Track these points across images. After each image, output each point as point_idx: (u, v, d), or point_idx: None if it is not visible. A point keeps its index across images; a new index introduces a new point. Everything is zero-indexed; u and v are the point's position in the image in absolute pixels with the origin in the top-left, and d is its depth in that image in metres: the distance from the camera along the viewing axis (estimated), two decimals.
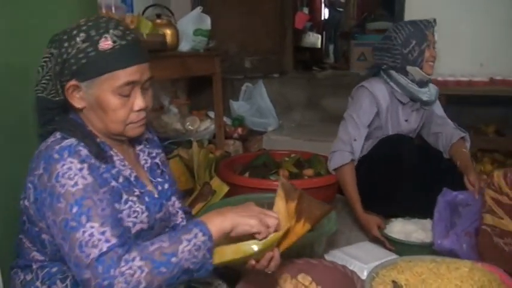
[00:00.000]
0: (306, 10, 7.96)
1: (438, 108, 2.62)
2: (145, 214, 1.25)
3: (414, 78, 2.38)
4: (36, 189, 1.14)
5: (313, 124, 4.28)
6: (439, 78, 3.30)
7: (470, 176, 2.23)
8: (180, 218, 1.43)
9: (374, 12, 5.64)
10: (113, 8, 2.70)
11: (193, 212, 2.12)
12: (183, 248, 1.07)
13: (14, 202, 1.24)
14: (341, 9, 9.06)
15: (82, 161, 1.12)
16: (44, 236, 1.19)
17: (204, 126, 3.52)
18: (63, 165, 1.10)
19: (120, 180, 1.22)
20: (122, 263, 1.03)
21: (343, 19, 8.97)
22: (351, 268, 1.77)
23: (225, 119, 3.83)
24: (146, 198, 1.27)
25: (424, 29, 2.34)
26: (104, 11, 2.61)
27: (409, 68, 2.36)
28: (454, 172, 2.34)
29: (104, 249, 1.03)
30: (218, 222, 1.14)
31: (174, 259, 1.06)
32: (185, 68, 3.04)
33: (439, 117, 2.59)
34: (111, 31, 1.15)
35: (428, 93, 2.46)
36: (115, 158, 1.25)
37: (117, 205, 1.18)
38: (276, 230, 1.23)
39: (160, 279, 1.05)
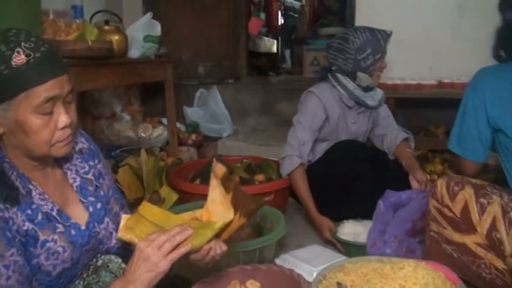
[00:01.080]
0: (262, 15, 8.02)
1: (384, 110, 2.66)
2: (68, 252, 1.17)
3: (361, 84, 2.41)
4: None
5: (268, 129, 4.30)
6: (389, 82, 3.37)
7: (416, 173, 2.29)
8: (113, 241, 1.31)
9: (327, 18, 5.72)
10: (61, 15, 2.66)
11: None
12: None
13: None
14: (296, 15, 9.18)
15: None
16: None
17: (157, 133, 3.48)
18: None
19: (39, 218, 1.13)
20: None
21: (299, 25, 9.09)
22: (300, 271, 1.80)
23: (179, 125, 3.80)
24: (72, 232, 1.20)
25: (381, 39, 2.36)
26: (51, 17, 2.56)
27: (359, 74, 2.38)
28: (401, 174, 2.39)
29: None
30: None
31: None
32: (135, 75, 3.01)
33: (384, 119, 2.64)
34: (22, 44, 1.05)
35: (374, 97, 2.50)
36: (34, 193, 1.16)
37: (32, 249, 1.11)
38: None
39: None
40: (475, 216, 1.66)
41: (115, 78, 2.71)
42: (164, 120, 3.66)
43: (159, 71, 3.28)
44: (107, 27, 2.78)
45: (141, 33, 3.05)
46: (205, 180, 2.53)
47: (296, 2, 9.11)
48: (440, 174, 3.34)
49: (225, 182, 1.27)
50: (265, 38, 7.17)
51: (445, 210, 1.74)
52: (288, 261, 1.98)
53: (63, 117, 1.11)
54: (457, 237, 1.75)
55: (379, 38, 2.35)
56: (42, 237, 1.12)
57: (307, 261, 1.96)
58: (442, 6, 3.64)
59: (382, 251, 2.00)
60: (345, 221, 2.30)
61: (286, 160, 2.37)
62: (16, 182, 1.12)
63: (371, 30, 2.39)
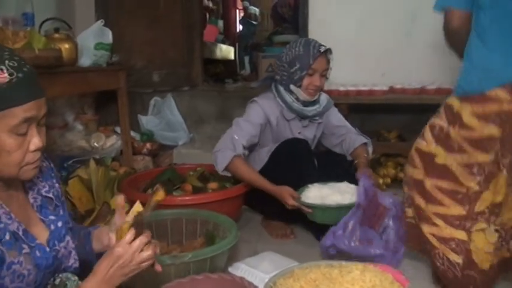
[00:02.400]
0: (220, 23, 8.05)
1: (337, 119, 2.68)
2: (33, 274, 1.15)
3: (298, 97, 2.43)
4: None
5: None
6: (341, 88, 3.43)
7: (362, 169, 2.34)
8: (72, 260, 1.31)
9: (281, 26, 5.78)
10: (10, 22, 2.58)
11: None
12: None
13: None
14: (255, 22, 9.24)
15: None
16: None
17: (110, 142, 3.42)
18: None
19: (7, 237, 1.11)
20: None
21: (258, 31, 9.16)
22: (252, 279, 1.80)
23: (133, 134, 3.75)
24: (37, 253, 1.18)
25: (311, 56, 2.34)
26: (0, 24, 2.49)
27: (292, 87, 2.41)
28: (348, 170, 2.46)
29: None
30: None
31: None
32: (86, 84, 2.95)
33: (339, 128, 2.65)
34: (6, 62, 1.04)
35: (316, 109, 2.52)
36: (0, 212, 1.13)
37: None
38: None
39: None
40: None
41: (65, 87, 2.65)
42: (118, 129, 3.60)
43: (112, 79, 3.22)
44: (56, 35, 2.73)
45: (92, 41, 2.99)
46: None
47: (256, 9, 9.19)
48: (393, 178, 3.42)
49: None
50: (222, 45, 7.18)
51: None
52: (241, 269, 1.98)
53: (36, 140, 1.10)
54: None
55: (309, 54, 2.34)
56: (8, 259, 1.09)
57: (259, 268, 1.97)
58: (394, 14, 3.74)
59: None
60: (309, 185, 2.29)
61: (218, 155, 2.35)
62: None
63: (306, 45, 2.38)
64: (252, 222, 2.71)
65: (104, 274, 1.13)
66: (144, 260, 1.18)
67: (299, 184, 2.30)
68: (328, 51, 2.39)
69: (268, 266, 1.97)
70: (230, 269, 2.00)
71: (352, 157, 2.55)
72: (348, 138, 2.60)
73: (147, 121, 4.11)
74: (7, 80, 1.02)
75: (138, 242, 1.17)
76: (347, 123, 2.70)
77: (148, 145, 3.70)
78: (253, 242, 2.44)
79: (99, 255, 1.34)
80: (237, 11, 10.04)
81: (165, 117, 4.15)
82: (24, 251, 1.13)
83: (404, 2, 3.69)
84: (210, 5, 7.51)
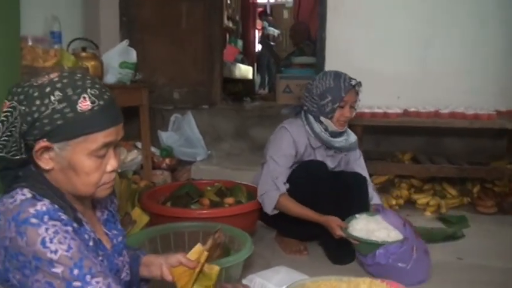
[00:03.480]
0: (239, 43, 8.19)
1: (359, 165, 2.70)
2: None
3: (327, 128, 2.48)
4: (7, 252, 1.06)
5: (242, 153, 4.40)
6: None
7: None
8: (125, 273, 1.35)
9: (302, 43, 5.89)
10: (40, 41, 2.69)
11: None
12: None
13: None
14: (273, 43, 9.40)
15: (66, 224, 1.07)
16: None
17: (131, 157, 3.54)
18: (47, 229, 1.04)
19: (91, 244, 1.18)
20: None
21: (277, 52, 9.31)
22: None
23: (153, 149, 3.87)
24: (105, 262, 1.23)
25: (342, 89, 2.38)
26: (30, 43, 2.60)
27: (322, 118, 2.46)
28: (362, 193, 2.51)
29: None
30: None
31: None
32: None
33: (355, 162, 2.69)
34: (88, 90, 1.09)
35: (344, 141, 2.56)
36: (83, 221, 1.19)
37: None
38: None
39: None
40: None
41: None
42: (139, 144, 3.72)
43: (135, 96, 3.36)
44: (83, 54, 2.88)
45: (117, 59, 3.15)
46: (176, 203, 2.61)
47: (275, 30, 9.34)
48: (406, 199, 3.47)
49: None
50: (241, 64, 7.30)
51: None
52: (254, 281, 2.04)
53: (112, 162, 1.16)
54: None
55: (340, 88, 2.38)
56: None
57: (273, 281, 2.01)
58: (409, 40, 3.84)
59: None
60: (357, 215, 2.33)
61: (265, 198, 2.44)
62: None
63: (337, 77, 2.42)
64: (267, 238, 2.77)
65: None
66: None
67: (313, 200, 2.38)
68: (358, 84, 2.43)
69: (281, 280, 2.01)
70: (244, 281, 2.06)
71: None
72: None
73: (167, 137, 4.23)
74: (89, 107, 1.08)
75: None
76: (366, 173, 2.71)
77: (167, 160, 3.82)
78: (267, 257, 2.50)
79: (142, 280, 1.46)
80: (256, 31, 10.20)
81: (184, 134, 4.27)
82: (99, 258, 1.19)
83: (418, 29, 3.81)
84: (230, 25, 7.66)
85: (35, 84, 1.10)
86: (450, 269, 2.37)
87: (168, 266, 1.38)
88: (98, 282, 1.05)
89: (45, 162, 1.11)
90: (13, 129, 1.09)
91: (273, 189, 2.41)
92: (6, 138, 1.10)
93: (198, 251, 1.38)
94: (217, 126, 4.52)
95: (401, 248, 2.15)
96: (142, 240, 2.14)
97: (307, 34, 5.91)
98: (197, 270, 1.35)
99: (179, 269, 1.38)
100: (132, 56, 3.25)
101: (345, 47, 3.89)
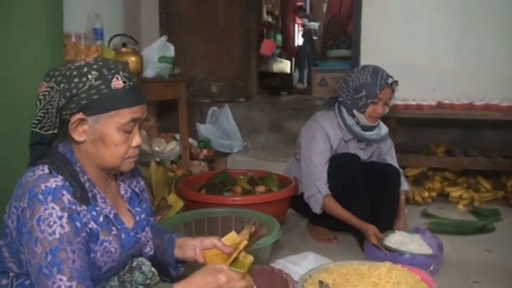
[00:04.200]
0: (279, 37, 8.25)
1: (390, 155, 2.74)
2: (118, 253, 1.33)
3: (359, 122, 2.50)
4: (19, 220, 1.21)
5: (277, 145, 4.49)
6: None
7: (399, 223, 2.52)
8: (148, 248, 1.49)
9: (337, 40, 5.91)
10: (82, 37, 2.81)
11: None
12: None
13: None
14: (315, 37, 9.40)
15: (63, 209, 1.18)
16: (22, 256, 1.26)
17: (170, 147, 3.68)
18: (45, 209, 1.16)
19: (100, 219, 1.29)
20: None
21: (317, 46, 9.31)
22: (292, 274, 1.95)
23: (191, 141, 4.01)
24: (122, 235, 1.35)
25: (378, 86, 2.38)
26: (73, 39, 2.72)
27: (355, 112, 2.48)
28: (395, 178, 2.56)
29: None
30: None
31: None
32: (151, 93, 3.22)
33: (387, 154, 2.73)
34: (121, 72, 1.25)
35: (375, 134, 2.58)
36: (98, 197, 1.31)
37: (92, 245, 1.27)
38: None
39: None
40: None
41: None
42: (178, 136, 3.87)
43: (173, 90, 3.49)
44: (124, 49, 3.02)
45: (156, 54, 3.28)
46: (211, 191, 2.73)
47: (316, 24, 9.34)
48: (439, 192, 3.47)
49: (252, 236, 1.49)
50: (279, 58, 7.37)
51: None
52: (281, 264, 2.13)
53: (137, 138, 1.31)
54: None
55: (376, 85, 2.38)
56: (101, 237, 1.28)
57: (300, 265, 2.10)
58: (445, 30, 3.80)
59: None
60: (396, 231, 2.39)
61: (311, 200, 2.51)
62: (85, 184, 1.29)
63: (374, 73, 2.41)
64: (298, 227, 2.85)
65: (198, 286, 1.29)
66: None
67: (347, 192, 2.45)
68: (394, 82, 2.43)
69: (308, 264, 2.08)
70: (272, 265, 2.16)
71: None
72: None
73: (204, 129, 4.37)
74: (121, 86, 1.24)
75: (241, 282, 1.33)
76: (396, 163, 2.75)
77: (205, 151, 3.95)
78: (296, 244, 2.58)
79: (178, 261, 1.56)
80: (296, 25, 10.22)
81: (221, 126, 4.40)
82: (113, 232, 1.32)
83: (455, 19, 3.76)
84: (270, 19, 7.74)
85: (72, 66, 1.25)
86: (478, 261, 2.40)
87: (201, 248, 1.47)
88: (61, 280, 1.15)
89: (79, 134, 1.26)
90: (49, 106, 1.23)
91: (316, 192, 2.48)
92: (41, 114, 1.23)
93: (232, 238, 1.45)
94: (253, 119, 4.63)
95: (427, 261, 2.18)
96: (177, 224, 2.27)
97: (343, 28, 5.93)
98: (234, 255, 1.40)
99: (211, 251, 1.45)
100: (171, 50, 3.38)
101: (380, 40, 3.89)
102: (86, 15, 3.21)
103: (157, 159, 3.24)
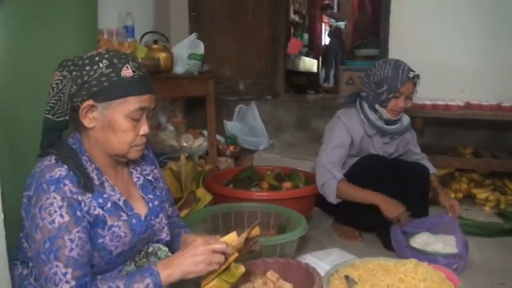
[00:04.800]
0: (305, 36, 8.26)
1: (414, 144, 2.75)
2: (129, 237, 1.36)
3: (382, 116, 2.50)
4: (25, 207, 1.28)
5: (303, 144, 4.51)
6: (418, 102, 3.49)
7: (440, 198, 2.51)
8: (164, 234, 1.50)
9: (365, 39, 5.91)
10: (114, 34, 2.88)
11: None
12: None
13: None
14: (343, 37, 9.37)
15: (63, 199, 1.23)
16: (25, 242, 1.33)
17: (197, 143, 3.75)
18: (47, 198, 1.22)
19: (108, 206, 1.34)
20: None
21: (344, 45, 9.28)
22: (317, 268, 1.99)
23: (218, 137, 4.07)
24: (133, 221, 1.39)
25: (399, 81, 2.37)
26: (105, 36, 2.80)
27: (377, 106, 2.48)
28: (424, 177, 2.57)
29: None
30: (167, 274, 1.26)
31: None
32: (180, 89, 3.29)
33: (415, 154, 2.75)
34: (130, 62, 1.31)
35: (398, 127, 2.59)
36: (106, 185, 1.36)
37: (100, 230, 1.31)
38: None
39: None
40: None
41: (163, 92, 2.99)
42: (205, 132, 3.93)
43: (202, 86, 3.55)
44: (155, 46, 3.08)
45: (185, 51, 3.34)
46: (238, 186, 2.78)
47: (342, 23, 9.31)
48: (465, 193, 3.45)
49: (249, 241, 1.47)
50: (306, 57, 7.38)
51: None
52: (307, 259, 2.16)
53: (145, 127, 1.36)
54: None
55: (397, 79, 2.38)
56: (109, 222, 1.33)
57: (325, 260, 2.13)
58: (473, 31, 3.77)
59: None
60: (422, 232, 2.40)
61: (325, 188, 2.48)
62: (92, 173, 1.34)
63: (396, 67, 2.41)
64: (323, 225, 2.87)
65: (178, 256, 1.32)
66: (216, 249, 1.32)
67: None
68: (416, 76, 2.42)
69: (333, 260, 2.11)
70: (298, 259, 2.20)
71: None
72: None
73: (231, 126, 4.42)
74: (131, 75, 1.29)
75: (218, 244, 1.33)
76: (419, 149, 2.77)
77: (231, 148, 4.01)
78: (322, 241, 2.61)
79: None
80: (323, 24, 10.20)
81: (248, 124, 4.45)
82: (122, 218, 1.37)
83: (483, 19, 3.73)
84: (297, 18, 7.75)
85: (84, 56, 1.32)
86: (503, 263, 2.39)
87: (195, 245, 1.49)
88: (57, 266, 1.20)
89: (89, 121, 1.31)
90: (61, 94, 1.29)
91: (329, 178, 2.45)
92: (54, 101, 1.30)
93: (231, 238, 1.42)
94: (279, 117, 4.66)
95: (452, 260, 2.18)
96: (205, 217, 2.32)
97: (371, 27, 5.92)
98: (223, 267, 1.37)
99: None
100: (200, 48, 3.44)
101: (408, 39, 3.88)
102: (117, 13, 3.28)
103: (186, 155, 3.30)
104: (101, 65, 1.29)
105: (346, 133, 2.52)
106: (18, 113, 1.56)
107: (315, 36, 9.36)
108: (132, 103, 1.30)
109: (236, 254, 1.36)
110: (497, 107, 3.41)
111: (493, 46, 3.72)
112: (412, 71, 2.42)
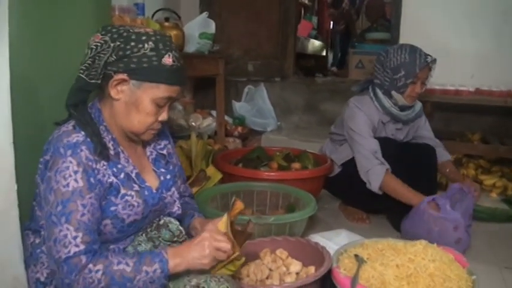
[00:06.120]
0: (314, 19, 8.19)
1: (426, 129, 2.74)
2: (141, 207, 1.38)
3: (397, 103, 2.48)
4: (41, 172, 1.30)
5: (311, 126, 4.52)
6: (427, 87, 3.46)
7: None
8: (175, 207, 1.53)
9: (376, 23, 5.86)
10: (126, 11, 2.84)
11: None
12: (140, 278, 1.22)
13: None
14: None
15: (79, 164, 1.25)
16: (37, 207, 1.35)
17: (206, 123, 3.75)
18: (63, 162, 1.24)
19: (121, 176, 1.36)
20: (86, 271, 1.19)
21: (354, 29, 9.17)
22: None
23: (227, 118, 4.08)
24: (145, 192, 1.41)
25: (417, 65, 2.35)
26: (117, 13, 2.77)
27: (393, 92, 2.45)
28: (431, 158, 2.57)
29: (71, 253, 1.19)
30: (175, 264, 1.26)
31: (129, 284, 1.21)
32: (191, 68, 3.26)
33: (428, 139, 2.71)
34: (173, 52, 1.33)
35: (411, 113, 2.58)
36: (121, 156, 1.39)
37: (113, 198, 1.33)
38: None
39: None
40: None
41: None
42: (213, 113, 3.93)
43: (212, 66, 3.54)
44: (167, 24, 3.05)
45: (197, 30, 3.31)
46: (247, 165, 2.79)
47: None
48: (473, 179, 3.45)
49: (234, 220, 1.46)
50: (315, 40, 7.34)
51: None
52: (315, 239, 2.17)
53: (165, 114, 1.39)
54: None
55: (415, 64, 2.35)
56: (123, 191, 1.35)
57: (333, 240, 2.13)
58: (486, 15, 3.73)
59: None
60: None
61: (371, 173, 2.39)
62: (108, 143, 1.37)
63: (412, 52, 2.38)
64: (330, 207, 2.89)
65: (187, 248, 1.32)
66: (221, 248, 1.32)
67: None
68: (433, 61, 2.40)
69: (341, 240, 2.11)
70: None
71: (439, 167, 2.64)
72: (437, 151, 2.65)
73: (240, 107, 4.43)
74: (170, 64, 1.31)
75: (224, 243, 1.33)
76: (433, 135, 2.74)
77: (239, 129, 4.02)
78: (329, 222, 2.63)
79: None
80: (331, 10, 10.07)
81: (256, 105, 4.45)
82: (134, 189, 1.39)
83: (495, 6, 3.69)
84: (306, 1, 7.69)
85: (131, 30, 1.32)
86: (510, 248, 2.41)
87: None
88: (67, 229, 1.21)
89: (116, 92, 1.33)
90: (98, 57, 1.30)
91: (376, 163, 2.39)
92: (90, 62, 1.31)
93: (224, 221, 1.43)
94: (288, 99, 4.66)
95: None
96: (214, 195, 2.35)
97: (382, 11, 5.87)
98: (224, 263, 1.38)
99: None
100: (211, 27, 3.41)
101: (420, 24, 3.85)
102: None
103: (196, 134, 3.31)
104: (146, 45, 1.30)
105: (369, 122, 2.50)
106: (34, 83, 1.57)
107: (323, 20, 9.26)
108: (163, 90, 1.33)
109: (237, 253, 1.37)
110: (507, 94, 3.39)
111: (504, 32, 3.69)
112: (428, 55, 2.40)
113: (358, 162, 2.47)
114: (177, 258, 1.28)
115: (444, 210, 2.22)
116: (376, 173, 2.39)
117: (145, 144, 1.53)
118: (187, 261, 1.29)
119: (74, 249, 1.20)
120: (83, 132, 1.29)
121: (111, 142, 1.38)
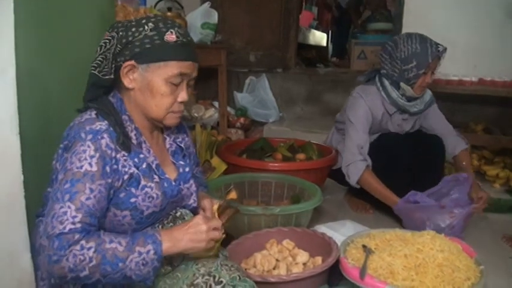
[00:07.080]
0: (314, 9, 8.15)
1: (435, 120, 2.68)
2: (160, 199, 1.37)
3: (405, 94, 2.44)
4: (61, 155, 1.29)
5: (313, 117, 4.50)
6: None
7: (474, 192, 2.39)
8: (192, 200, 1.52)
9: (377, 13, 5.82)
10: (127, 0, 2.82)
11: None
12: (132, 258, 1.18)
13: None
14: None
15: (97, 150, 1.23)
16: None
17: (208, 114, 3.73)
18: (82, 145, 1.23)
19: (143, 166, 1.35)
20: (78, 247, 1.14)
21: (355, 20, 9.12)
22: None
23: (229, 109, 4.06)
24: (165, 184, 1.40)
25: (429, 55, 2.29)
26: (119, 2, 2.77)
27: (402, 84, 2.41)
28: (438, 149, 2.55)
29: (66, 229, 1.14)
30: (168, 247, 1.25)
31: (121, 264, 1.17)
32: None
33: (437, 124, 2.67)
34: (176, 28, 1.32)
35: (419, 104, 2.54)
36: (143, 146, 1.38)
37: (133, 190, 1.31)
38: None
39: (102, 275, 1.16)
40: None
41: None
42: (216, 104, 3.91)
43: (214, 57, 3.52)
44: (169, 14, 3.04)
45: (199, 20, 3.29)
46: (251, 156, 2.79)
47: None
48: (475, 170, 3.44)
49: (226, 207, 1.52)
50: (316, 31, 7.30)
51: None
52: (321, 230, 2.17)
53: (183, 94, 1.36)
54: None
55: (427, 53, 2.30)
56: (143, 182, 1.34)
57: (339, 231, 2.13)
58: (490, 7, 3.69)
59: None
60: None
61: (351, 167, 2.41)
62: (131, 133, 1.36)
63: (423, 42, 2.33)
64: (335, 197, 2.89)
65: (182, 231, 1.30)
66: (213, 237, 1.34)
67: (391, 175, 2.40)
68: (444, 50, 2.35)
69: (347, 231, 2.12)
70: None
71: (454, 160, 2.62)
72: (449, 140, 2.61)
73: (242, 98, 4.41)
74: (174, 40, 1.30)
75: (215, 221, 1.37)
76: (446, 123, 2.70)
77: (242, 120, 4.01)
78: (334, 213, 2.63)
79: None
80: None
81: (258, 96, 4.44)
82: (154, 180, 1.38)
83: None
84: None
85: (133, 19, 1.35)
86: None
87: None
88: (69, 207, 1.17)
89: (129, 81, 1.34)
90: (107, 53, 1.32)
91: (359, 159, 2.40)
92: (100, 59, 1.32)
93: (219, 207, 1.51)
94: (290, 90, 4.64)
95: None
96: (219, 185, 2.34)
97: (382, 1, 5.84)
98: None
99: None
100: (214, 17, 3.39)
101: (422, 14, 3.82)
102: None
103: (200, 124, 3.30)
104: (146, 27, 1.30)
105: (368, 112, 2.47)
106: (40, 74, 1.56)
107: (324, 10, 9.22)
108: (172, 68, 1.31)
109: (224, 236, 1.41)
110: (510, 84, 3.37)
111: (508, 23, 3.66)
112: (439, 44, 2.35)
113: (343, 155, 2.51)
114: (171, 242, 1.26)
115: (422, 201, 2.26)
116: (356, 168, 2.41)
117: (165, 136, 1.52)
118: (182, 245, 1.27)
119: (69, 226, 1.16)
120: (106, 121, 1.29)
121: (134, 132, 1.37)
